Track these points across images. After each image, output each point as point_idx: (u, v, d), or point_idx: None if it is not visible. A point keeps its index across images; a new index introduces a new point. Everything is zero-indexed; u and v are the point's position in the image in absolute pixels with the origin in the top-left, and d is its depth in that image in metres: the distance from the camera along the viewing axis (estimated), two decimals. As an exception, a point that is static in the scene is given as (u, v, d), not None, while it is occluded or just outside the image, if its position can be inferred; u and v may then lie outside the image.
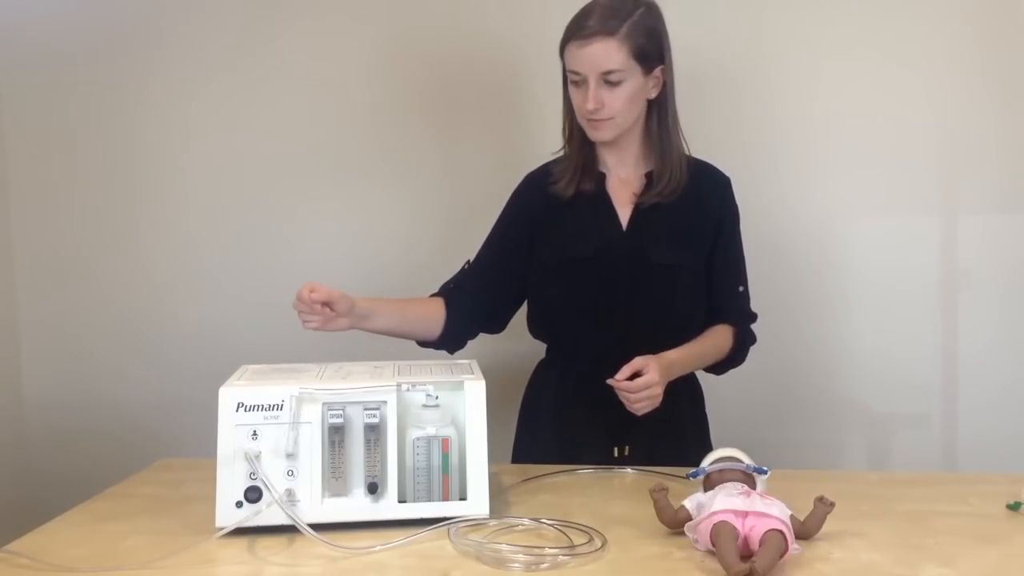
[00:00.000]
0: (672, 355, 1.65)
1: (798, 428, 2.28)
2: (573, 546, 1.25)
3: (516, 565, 1.20)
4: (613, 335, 1.72)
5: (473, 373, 1.43)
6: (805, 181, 2.25)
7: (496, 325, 1.83)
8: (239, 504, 1.32)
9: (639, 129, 1.73)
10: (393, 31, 2.34)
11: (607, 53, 1.61)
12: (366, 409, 1.35)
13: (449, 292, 1.77)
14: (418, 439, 1.36)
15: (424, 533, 1.30)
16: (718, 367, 1.80)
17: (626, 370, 1.56)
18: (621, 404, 1.58)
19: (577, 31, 1.63)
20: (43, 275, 2.46)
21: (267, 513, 1.31)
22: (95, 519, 1.42)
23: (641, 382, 1.56)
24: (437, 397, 1.38)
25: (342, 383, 1.37)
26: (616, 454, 1.73)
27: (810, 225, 2.25)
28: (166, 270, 2.43)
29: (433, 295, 1.78)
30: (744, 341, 1.81)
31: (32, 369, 2.48)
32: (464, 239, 1.85)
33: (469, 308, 1.75)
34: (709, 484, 1.31)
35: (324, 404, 1.35)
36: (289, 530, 1.30)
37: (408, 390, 1.38)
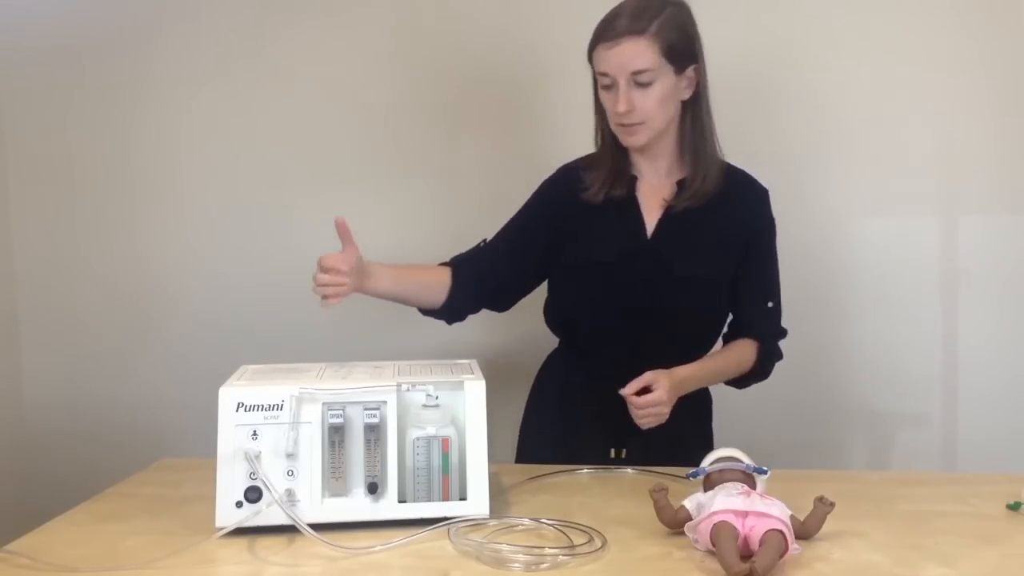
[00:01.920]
0: (685, 371, 1.63)
1: (798, 428, 2.28)
2: (573, 546, 1.25)
3: (516, 565, 1.20)
4: (626, 340, 1.71)
5: (473, 373, 1.43)
6: (805, 181, 2.25)
7: (501, 304, 1.81)
8: (239, 504, 1.32)
9: (673, 133, 1.69)
10: (398, 31, 2.34)
11: (636, 53, 1.58)
12: (366, 409, 1.35)
13: (458, 263, 1.74)
14: (418, 439, 1.36)
15: (424, 533, 1.30)
16: (739, 382, 1.78)
17: (634, 384, 1.56)
18: (624, 407, 1.58)
19: (605, 33, 1.60)
20: (43, 275, 2.46)
21: (267, 513, 1.31)
22: (95, 519, 1.42)
23: (648, 399, 1.55)
24: (437, 397, 1.38)
25: (342, 383, 1.37)
26: (613, 455, 1.72)
27: (810, 225, 2.25)
28: (166, 270, 2.43)
29: (442, 264, 1.76)
30: (768, 357, 1.77)
31: (32, 369, 2.48)
32: (470, 241, 1.85)
33: (476, 283, 1.73)
34: (709, 484, 1.31)
35: (324, 404, 1.35)
36: (289, 530, 1.30)
37: (408, 390, 1.38)
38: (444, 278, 1.71)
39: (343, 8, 2.34)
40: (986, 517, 1.38)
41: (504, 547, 1.23)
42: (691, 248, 1.70)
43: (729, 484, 1.28)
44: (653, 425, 1.58)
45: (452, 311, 1.74)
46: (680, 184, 1.71)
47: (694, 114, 1.68)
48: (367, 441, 1.35)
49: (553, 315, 1.82)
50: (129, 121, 2.41)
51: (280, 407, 1.34)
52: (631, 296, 1.70)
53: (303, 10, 2.34)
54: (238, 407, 1.34)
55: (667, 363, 1.63)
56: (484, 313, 1.82)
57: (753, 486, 1.29)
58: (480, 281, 1.74)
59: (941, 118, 2.21)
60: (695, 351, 1.72)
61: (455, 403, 1.38)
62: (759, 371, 1.77)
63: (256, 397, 1.34)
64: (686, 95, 1.66)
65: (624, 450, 1.72)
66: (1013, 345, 2.23)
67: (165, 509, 1.45)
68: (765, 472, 1.31)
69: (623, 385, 1.58)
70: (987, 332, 2.25)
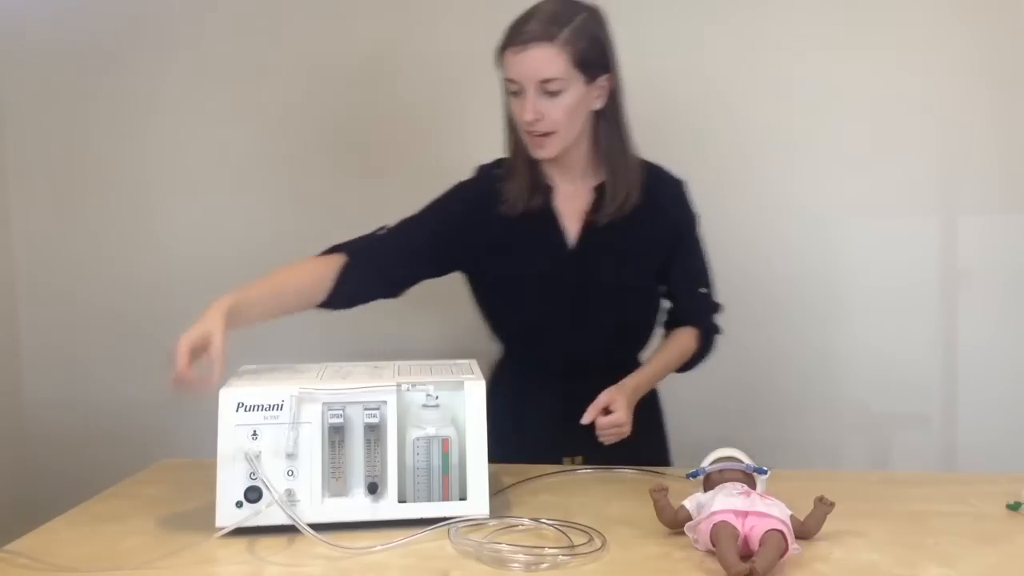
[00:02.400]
0: (635, 381, 1.62)
1: (798, 428, 2.28)
2: (573, 546, 1.25)
3: (516, 565, 1.20)
4: (561, 350, 1.70)
5: (473, 373, 1.43)
6: (805, 181, 2.25)
7: (394, 294, 1.72)
8: (239, 504, 1.32)
9: (585, 142, 1.64)
10: (382, 33, 2.34)
11: (545, 60, 1.51)
12: (366, 409, 1.35)
13: (357, 255, 1.63)
14: (418, 439, 1.36)
15: (424, 533, 1.30)
16: (686, 367, 1.78)
17: (592, 412, 1.53)
18: (571, 414, 1.55)
19: (514, 37, 1.53)
20: (43, 275, 2.46)
21: (267, 513, 1.31)
22: (95, 519, 1.42)
23: (610, 420, 1.54)
24: (437, 397, 1.38)
25: (342, 383, 1.37)
26: (568, 462, 1.69)
27: (810, 225, 2.25)
28: (166, 270, 2.43)
29: (336, 250, 1.64)
30: (708, 337, 1.78)
31: (32, 369, 2.49)
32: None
33: (374, 275, 1.64)
34: (709, 484, 1.31)
35: (324, 404, 1.35)
36: (289, 530, 1.30)
37: (408, 390, 1.38)
38: (327, 273, 1.59)
39: (337, 11, 2.34)
40: (986, 517, 1.37)
41: (504, 547, 1.23)
42: (617, 257, 1.67)
43: (729, 484, 1.27)
44: (616, 441, 1.57)
45: (336, 304, 1.63)
46: (599, 190, 1.66)
47: (608, 124, 1.62)
48: (367, 441, 1.35)
49: (490, 328, 1.78)
50: (129, 121, 2.41)
51: (280, 407, 1.34)
52: (560, 308, 1.67)
53: (297, 13, 2.34)
54: (238, 407, 1.34)
55: (607, 364, 1.64)
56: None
57: (753, 486, 1.29)
58: (378, 274, 1.65)
59: (941, 117, 2.21)
60: (634, 349, 1.74)
61: (455, 403, 1.38)
62: (702, 352, 1.77)
63: (256, 397, 1.34)
64: (598, 105, 1.60)
65: (579, 457, 1.69)
66: (1013, 345, 2.24)
67: (165, 509, 1.45)
68: (765, 472, 1.31)
69: (565, 390, 1.57)
70: (987, 332, 2.25)
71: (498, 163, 1.72)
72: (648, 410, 1.79)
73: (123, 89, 2.40)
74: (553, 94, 1.53)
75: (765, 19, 2.23)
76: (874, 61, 2.20)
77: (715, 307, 1.81)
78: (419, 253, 1.68)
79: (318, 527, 1.29)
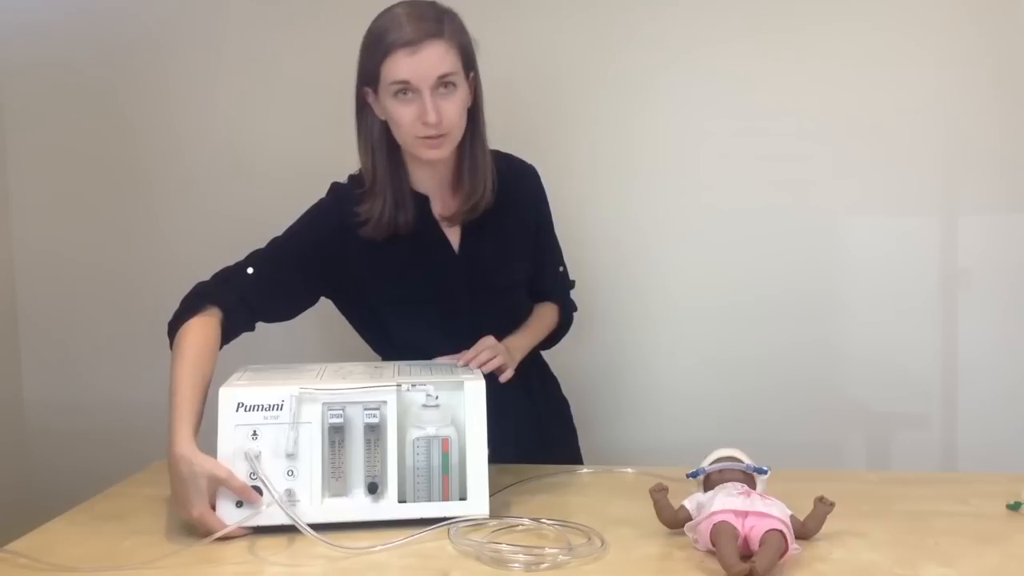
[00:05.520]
0: (508, 343, 1.64)
1: (798, 428, 2.28)
2: (572, 546, 1.25)
3: (516, 565, 1.20)
4: (452, 349, 1.61)
5: (473, 373, 1.43)
6: (805, 180, 2.25)
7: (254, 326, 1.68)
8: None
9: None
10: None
11: (440, 56, 1.48)
12: (366, 409, 1.35)
13: (229, 309, 1.56)
14: (418, 439, 1.36)
15: (424, 533, 1.30)
16: (548, 342, 1.82)
17: (454, 357, 1.55)
18: None
19: (400, 39, 1.47)
20: (43, 275, 2.46)
21: (267, 513, 1.31)
22: (95, 519, 1.42)
23: (474, 349, 1.55)
24: (437, 397, 1.38)
25: (342, 383, 1.37)
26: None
27: (809, 225, 2.25)
28: (166, 270, 2.42)
29: (206, 300, 1.56)
30: (568, 314, 1.85)
31: (32, 369, 2.48)
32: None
33: (248, 319, 1.60)
34: (709, 484, 1.31)
35: (324, 404, 1.35)
36: (289, 530, 1.30)
37: (408, 390, 1.38)
38: (216, 338, 1.52)
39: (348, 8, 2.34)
40: (986, 517, 1.38)
41: (504, 547, 1.23)
42: (501, 255, 1.68)
43: (729, 484, 1.28)
44: (500, 363, 1.55)
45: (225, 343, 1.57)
46: (467, 196, 1.62)
47: (472, 123, 1.59)
48: (367, 441, 1.35)
49: (381, 351, 1.74)
50: (130, 120, 2.41)
51: (280, 407, 1.34)
52: (457, 317, 1.65)
53: (305, 11, 2.34)
54: (238, 407, 1.34)
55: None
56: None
57: (753, 486, 1.29)
58: (251, 316, 1.60)
59: (941, 115, 2.20)
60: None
61: (455, 403, 1.39)
62: (563, 328, 1.85)
63: (256, 397, 1.34)
64: (469, 103, 1.57)
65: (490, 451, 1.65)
66: (1014, 346, 2.23)
67: (165, 509, 1.45)
68: (765, 472, 1.31)
69: None
70: (987, 332, 2.25)
71: (353, 183, 1.66)
72: (557, 409, 1.86)
73: (124, 88, 2.40)
74: (449, 91, 1.50)
75: (765, 17, 2.23)
76: (876, 60, 2.20)
77: (571, 284, 1.88)
78: (292, 293, 1.64)
79: (318, 527, 1.29)
